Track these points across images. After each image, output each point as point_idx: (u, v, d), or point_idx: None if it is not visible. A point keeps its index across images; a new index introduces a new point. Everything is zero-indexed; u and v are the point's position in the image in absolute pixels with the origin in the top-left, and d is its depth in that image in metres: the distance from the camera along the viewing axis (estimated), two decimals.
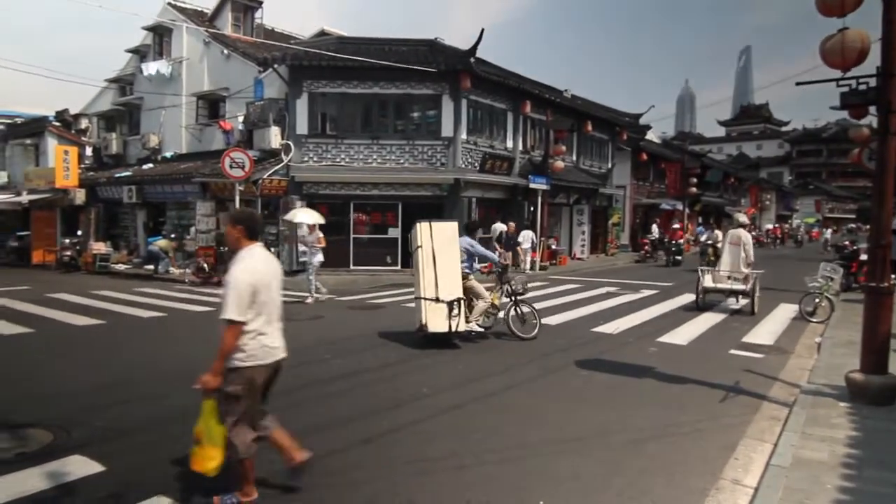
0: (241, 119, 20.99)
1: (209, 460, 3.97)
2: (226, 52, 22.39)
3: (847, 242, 22.67)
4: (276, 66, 19.43)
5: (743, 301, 13.17)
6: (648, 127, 37.76)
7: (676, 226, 31.03)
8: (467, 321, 9.48)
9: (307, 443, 5.28)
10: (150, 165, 24.34)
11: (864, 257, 13.60)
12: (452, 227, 9.80)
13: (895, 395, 6.15)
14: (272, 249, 19.60)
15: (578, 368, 8.05)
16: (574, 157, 27.72)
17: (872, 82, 6.26)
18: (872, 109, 6.47)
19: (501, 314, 10.24)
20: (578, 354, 8.75)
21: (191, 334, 10.66)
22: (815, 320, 11.55)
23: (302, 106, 19.72)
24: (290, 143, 19.51)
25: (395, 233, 20.23)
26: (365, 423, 5.87)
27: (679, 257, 25.67)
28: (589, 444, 5.35)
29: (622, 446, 5.31)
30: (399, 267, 20.06)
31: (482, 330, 10.09)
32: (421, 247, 9.35)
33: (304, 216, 15.79)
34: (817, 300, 11.86)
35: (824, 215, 78.42)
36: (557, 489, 4.49)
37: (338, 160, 19.81)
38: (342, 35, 23.45)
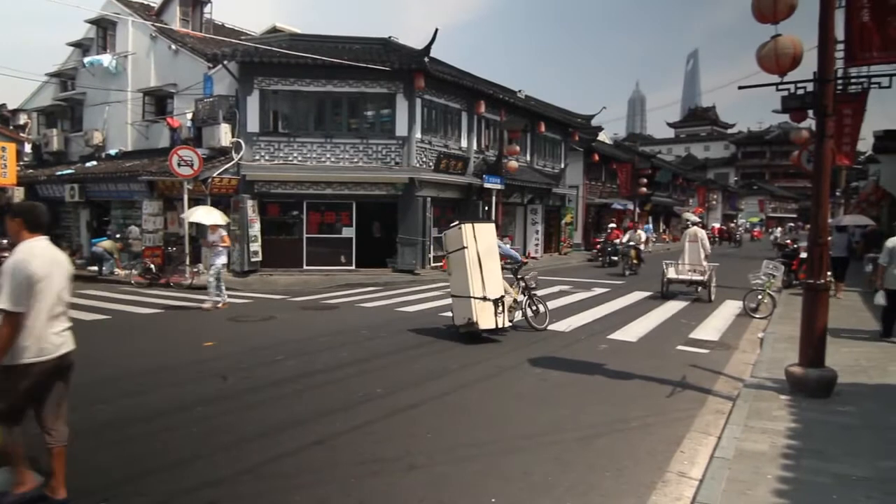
0: (189, 116, 20.45)
1: None
2: (173, 47, 21.79)
3: (788, 241, 23.53)
4: (226, 62, 19.02)
5: (702, 290, 14.54)
6: (600, 128, 38.47)
7: (612, 225, 28.12)
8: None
9: (259, 446, 5.21)
10: (94, 163, 23.50)
11: (804, 255, 14.16)
12: (492, 228, 10.34)
13: (831, 388, 6.42)
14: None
15: (531, 366, 8.13)
16: (528, 157, 28.00)
17: (810, 87, 6.52)
18: (811, 113, 6.73)
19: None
20: (532, 353, 8.84)
21: (134, 338, 10.34)
22: (758, 316, 11.95)
23: (253, 103, 19.35)
24: (240, 141, 19.13)
25: (349, 232, 20.05)
26: (317, 424, 5.80)
27: (616, 258, 23.81)
28: (541, 441, 5.40)
29: (573, 443, 5.38)
30: (353, 267, 19.89)
31: (511, 324, 10.37)
32: (467, 248, 9.68)
33: (201, 216, 14.71)
34: (760, 297, 12.27)
35: (767, 215, 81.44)
36: (509, 487, 4.52)
37: (290, 159, 19.52)
38: (295, 32, 23.07)
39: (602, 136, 40.62)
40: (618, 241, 24.48)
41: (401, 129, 19.81)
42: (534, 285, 11.00)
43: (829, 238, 15.51)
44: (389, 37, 21.42)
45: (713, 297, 14.17)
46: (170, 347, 9.35)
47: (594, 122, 34.67)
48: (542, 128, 28.06)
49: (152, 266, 17.65)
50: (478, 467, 4.86)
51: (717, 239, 45.73)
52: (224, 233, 13.62)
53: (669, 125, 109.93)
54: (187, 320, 11.88)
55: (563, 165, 31.49)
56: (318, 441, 5.37)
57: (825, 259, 6.55)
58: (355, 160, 19.74)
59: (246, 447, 5.23)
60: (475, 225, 9.98)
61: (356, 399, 6.61)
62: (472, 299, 9.47)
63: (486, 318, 9.50)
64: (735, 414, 5.87)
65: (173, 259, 18.65)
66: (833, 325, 9.89)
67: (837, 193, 37.61)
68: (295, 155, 19.55)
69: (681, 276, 14.83)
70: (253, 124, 19.35)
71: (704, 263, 14.59)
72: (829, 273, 6.68)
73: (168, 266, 18.32)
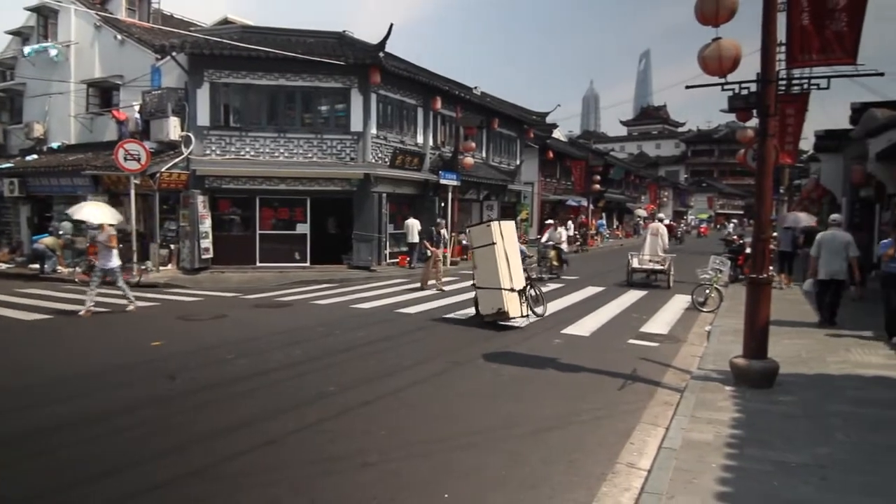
0: (136, 108, 19.81)
1: None
2: (119, 37, 21.06)
3: (735, 237, 24.30)
4: (174, 53, 18.47)
5: (661, 277, 16.73)
6: (555, 125, 38.90)
7: (549, 221, 23.51)
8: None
9: (207, 447, 5.10)
10: (35, 157, 22.54)
11: (749, 251, 14.69)
12: (513, 225, 11.43)
13: (773, 378, 6.65)
14: (172, 246, 18.72)
15: (486, 362, 8.18)
16: (484, 154, 28.12)
17: (754, 87, 6.72)
18: (756, 112, 6.93)
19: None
20: (486, 348, 8.89)
21: (77, 338, 9.98)
22: (705, 310, 12.29)
23: (203, 96, 18.87)
24: (190, 134, 18.63)
25: (303, 228, 19.77)
26: (269, 423, 5.71)
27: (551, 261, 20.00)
28: (494, 436, 5.43)
29: (526, 437, 5.43)
30: (308, 263, 19.63)
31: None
32: (496, 244, 10.54)
33: (89, 213, 13.70)
34: (708, 291, 12.63)
35: (716, 211, 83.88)
36: (462, 483, 4.53)
37: (242, 153, 19.12)
38: (247, 24, 22.56)
39: (557, 134, 41.10)
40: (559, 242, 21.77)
41: (356, 124, 19.63)
42: (535, 275, 13.27)
43: (775, 234, 16.37)
44: (344, 31, 21.17)
45: (672, 284, 16.16)
46: (115, 348, 9.06)
47: (549, 120, 35.09)
48: (498, 125, 28.22)
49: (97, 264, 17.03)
50: (432, 464, 4.86)
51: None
52: (113, 232, 12.57)
53: (622, 123, 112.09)
54: (134, 320, 11.53)
55: (518, 162, 31.74)
56: (269, 441, 5.28)
57: (767, 254, 6.77)
58: (309, 155, 19.47)
59: (194, 449, 5.11)
60: (501, 223, 11.01)
61: (309, 397, 6.53)
62: (502, 291, 10.36)
63: (514, 307, 10.47)
64: (682, 405, 6.02)
65: (120, 256, 18.03)
66: (776, 317, 10.25)
67: (781, 191, 38.85)
68: (247, 149, 19.17)
69: (643, 266, 16.77)
70: (203, 118, 18.87)
71: (662, 254, 16.79)
72: (771, 268, 6.90)
73: None
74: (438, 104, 23.05)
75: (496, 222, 10.96)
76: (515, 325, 10.65)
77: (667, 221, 27.52)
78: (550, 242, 18.86)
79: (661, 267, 16.49)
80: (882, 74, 6.47)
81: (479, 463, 4.87)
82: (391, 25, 18.92)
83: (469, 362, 8.14)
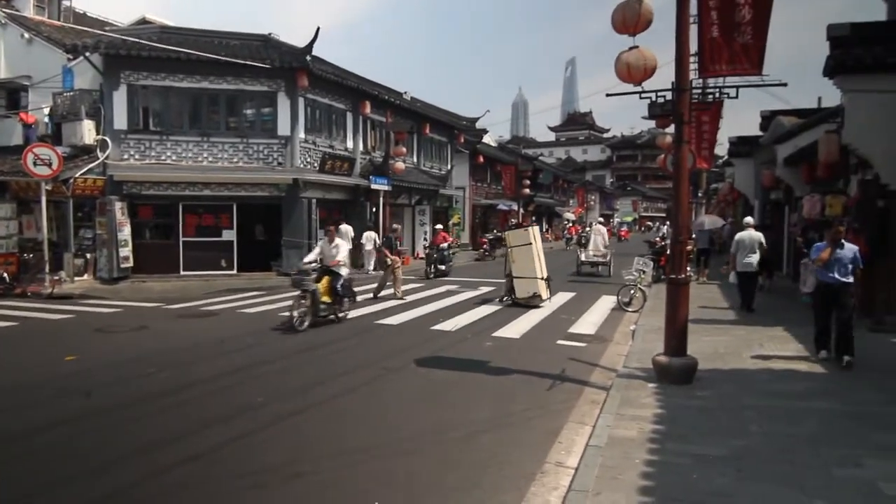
0: (46, 111, 18.75)
1: None
2: (27, 35, 19.86)
3: (658, 238, 25.37)
4: (88, 53, 17.61)
5: (603, 268, 20.45)
6: (485, 131, 39.39)
7: (439, 226, 24.02)
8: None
9: (125, 468, 4.85)
10: None
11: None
12: (538, 230, 15.57)
13: (693, 374, 6.94)
14: (88, 255, 17.81)
15: (417, 367, 8.17)
16: (415, 159, 28.16)
17: (670, 96, 7.02)
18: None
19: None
20: (418, 353, 8.87)
21: None
22: (630, 310, 12.71)
23: (120, 99, 18.06)
24: (106, 138, 17.79)
25: (229, 235, 19.20)
26: (193, 438, 5.49)
27: (443, 266, 20.43)
28: (426, 442, 5.43)
29: (457, 441, 5.45)
30: (235, 271, 19.08)
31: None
32: (532, 243, 13.67)
33: None
34: (632, 291, 13.06)
35: (640, 214, 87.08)
36: (393, 490, 4.50)
37: (163, 158, 18.41)
38: (166, 24, 21.77)
39: (487, 139, 41.63)
40: (445, 245, 21.15)
41: (283, 128, 19.25)
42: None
43: (694, 235, 17.43)
44: (270, 33, 20.72)
45: (612, 273, 19.40)
46: (25, 363, 8.51)
47: (479, 125, 35.48)
48: (429, 129, 28.33)
49: (5, 275, 16.03)
50: (363, 472, 4.80)
51: (572, 238, 39.96)
52: None
53: (550, 129, 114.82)
54: (46, 333, 10.88)
55: (449, 167, 31.96)
56: (193, 456, 5.08)
57: (685, 256, 7.07)
58: (235, 160, 18.96)
59: (111, 469, 4.85)
60: (532, 228, 14.58)
61: (237, 409, 6.33)
62: (538, 280, 13.39)
63: (544, 291, 13.62)
64: (608, 403, 6.20)
65: (30, 266, 17.02)
66: (697, 315, 10.79)
67: (700, 194, 40.84)
68: (168, 154, 18.48)
69: (590, 259, 20.72)
70: (120, 121, 18.07)
71: (604, 249, 20.83)
72: (689, 268, 7.21)
73: (24, 274, 16.71)
74: (368, 109, 22.92)
75: (531, 227, 14.61)
76: (542, 305, 13.37)
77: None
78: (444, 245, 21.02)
79: (604, 260, 20.54)
80: (785, 85, 6.88)
81: (410, 469, 4.85)
82: (318, 29, 18.75)
83: (401, 369, 8.10)
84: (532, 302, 13.31)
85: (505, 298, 13.88)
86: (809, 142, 12.97)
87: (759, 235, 12.33)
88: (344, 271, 11.32)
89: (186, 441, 5.44)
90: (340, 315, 11.37)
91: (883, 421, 5.61)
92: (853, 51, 9.59)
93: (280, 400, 6.67)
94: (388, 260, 15.26)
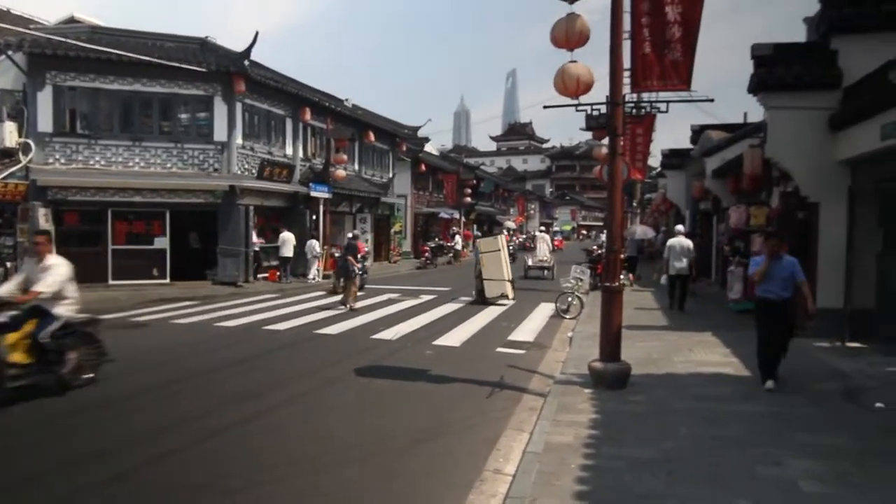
0: None
1: None
2: None
3: (595, 247, 26.14)
4: (10, 52, 16.75)
5: (547, 272, 22.36)
6: (427, 139, 39.53)
7: (353, 233, 18.48)
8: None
9: (43, 487, 4.60)
10: None
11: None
12: (505, 237, 19.36)
13: (626, 380, 7.13)
14: (8, 264, 16.85)
15: (357, 377, 8.09)
16: (356, 167, 27.98)
17: (605, 109, 7.23)
18: None
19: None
20: (358, 363, 8.78)
21: None
22: (568, 317, 12.97)
23: (45, 100, 17.24)
24: (29, 141, 16.94)
25: (162, 243, 18.56)
26: (119, 455, 5.25)
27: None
28: (364, 452, 5.37)
29: (397, 451, 5.42)
30: (168, 280, 18.44)
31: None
32: (501, 250, 15.95)
33: None
34: (570, 299, 13.33)
35: (579, 223, 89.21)
36: (331, 502, 4.43)
37: (91, 163, 17.67)
38: (96, 24, 20.96)
39: (429, 147, 41.76)
40: (360, 255, 17.35)
41: (220, 133, 18.79)
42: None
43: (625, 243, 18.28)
44: (206, 36, 20.23)
45: (555, 276, 20.71)
46: None
47: (421, 134, 35.58)
48: (370, 137, 28.19)
49: None
50: (300, 485, 4.71)
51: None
52: None
53: (492, 138, 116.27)
54: None
55: (391, 175, 31.89)
56: (117, 475, 4.85)
57: (619, 264, 7.27)
58: (168, 165, 18.37)
59: (29, 491, 4.59)
60: (500, 237, 17.73)
61: (167, 424, 6.10)
62: (505, 281, 15.62)
63: (510, 291, 15.80)
64: (545, 409, 6.29)
65: None
66: (631, 321, 11.09)
67: (634, 204, 42.17)
68: (97, 159, 17.75)
69: (537, 265, 22.81)
70: (45, 123, 17.25)
71: (549, 255, 23.22)
72: (622, 275, 7.41)
73: None
74: (308, 115, 22.63)
75: (500, 236, 18.33)
76: (508, 303, 15.23)
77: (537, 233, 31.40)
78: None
79: (549, 264, 22.78)
80: (712, 100, 7.22)
81: (348, 480, 4.79)
82: (256, 33, 18.42)
83: (339, 379, 8.00)
84: (499, 301, 15.32)
85: (475, 297, 15.64)
86: (735, 155, 13.59)
87: (689, 242, 13.67)
88: (60, 310, 7.17)
89: (111, 458, 5.20)
90: (66, 377, 7.07)
91: (803, 422, 5.90)
92: (775, 70, 10.11)
93: (213, 413, 6.46)
94: (354, 268, 14.78)
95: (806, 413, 6.20)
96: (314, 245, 20.94)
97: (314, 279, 20.58)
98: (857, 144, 9.16)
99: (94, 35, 18.52)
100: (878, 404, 6.19)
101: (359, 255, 16.91)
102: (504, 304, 15.14)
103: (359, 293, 15.71)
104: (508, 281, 15.64)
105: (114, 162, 17.87)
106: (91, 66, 17.41)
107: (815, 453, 4.93)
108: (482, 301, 15.23)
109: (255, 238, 19.69)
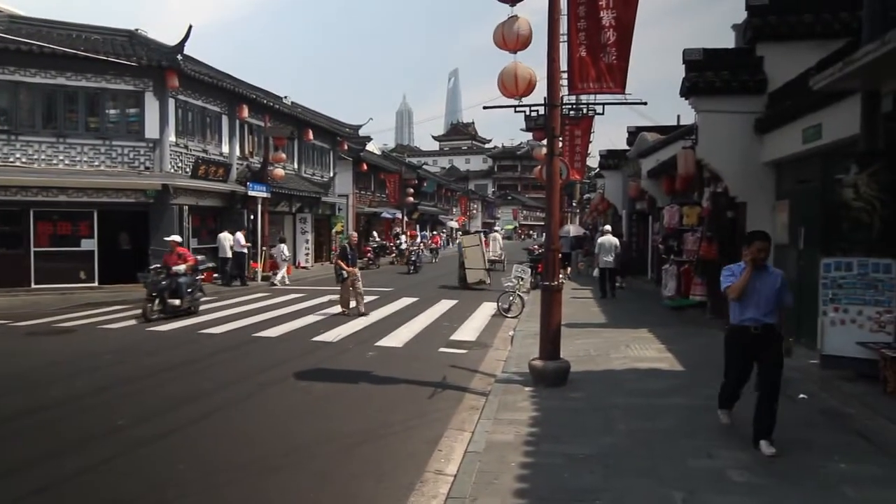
0: None
1: None
2: None
3: (535, 246, 26.73)
4: None
5: (498, 264, 25.07)
6: (369, 138, 39.19)
7: (174, 238, 14.61)
8: None
9: None
10: None
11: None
12: (482, 235, 22.79)
13: (566, 377, 7.24)
14: None
15: (297, 380, 7.92)
16: (296, 165, 27.47)
17: (543, 110, 7.32)
18: None
19: None
20: (297, 366, 8.61)
21: None
22: (510, 316, 13.09)
23: None
24: None
25: (89, 244, 17.73)
26: (40, 469, 4.98)
27: (177, 301, 13.09)
28: (303, 456, 5.26)
29: (336, 454, 5.33)
30: (96, 283, 17.65)
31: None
32: (479, 245, 19.59)
33: None
34: (512, 298, 13.47)
35: (521, 222, 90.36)
36: None
37: (11, 160, 16.71)
38: (16, 13, 19.83)
39: (371, 147, 41.45)
40: (181, 267, 13.55)
41: (151, 130, 18.10)
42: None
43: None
44: (136, 29, 19.41)
45: (505, 269, 22.55)
46: None
47: (362, 133, 35.23)
48: (310, 136, 27.73)
49: None
50: (236, 492, 4.58)
51: (437, 250, 38.95)
52: None
53: (434, 138, 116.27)
54: None
55: (332, 174, 31.47)
56: (39, 489, 4.60)
57: (557, 263, 7.38)
58: (96, 163, 17.58)
59: None
60: (480, 234, 23.18)
61: (95, 434, 5.81)
62: (484, 270, 19.28)
63: (487, 278, 19.15)
64: (487, 408, 6.33)
65: None
66: (571, 319, 11.31)
67: (573, 204, 43.02)
68: (17, 156, 16.82)
69: (490, 258, 23.26)
70: None
71: (500, 251, 26.47)
72: (560, 273, 7.52)
73: None
74: (245, 112, 22.07)
75: (479, 233, 24.40)
76: (485, 288, 18.36)
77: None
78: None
79: (500, 259, 25.81)
80: (645, 104, 7.41)
81: (286, 486, 4.68)
82: (190, 27, 17.81)
83: (278, 382, 7.82)
84: (479, 285, 18.67)
85: (458, 283, 19.14)
86: (669, 156, 14.04)
87: (615, 240, 16.20)
88: None
89: (32, 471, 4.93)
90: None
91: (734, 414, 6.12)
92: (705, 74, 10.49)
93: (144, 422, 6.20)
94: (345, 273, 13.42)
95: (736, 405, 6.43)
96: (283, 249, 20.59)
97: (282, 283, 20.24)
98: (781, 147, 9.60)
99: (13, 25, 17.52)
100: (801, 395, 6.48)
101: (179, 268, 13.23)
102: (448, 304, 15.17)
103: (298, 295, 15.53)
104: (486, 269, 19.33)
105: (36, 159, 16.97)
106: (10, 58, 16.47)
107: (744, 445, 5.11)
108: (465, 286, 18.69)
109: (243, 240, 19.86)
